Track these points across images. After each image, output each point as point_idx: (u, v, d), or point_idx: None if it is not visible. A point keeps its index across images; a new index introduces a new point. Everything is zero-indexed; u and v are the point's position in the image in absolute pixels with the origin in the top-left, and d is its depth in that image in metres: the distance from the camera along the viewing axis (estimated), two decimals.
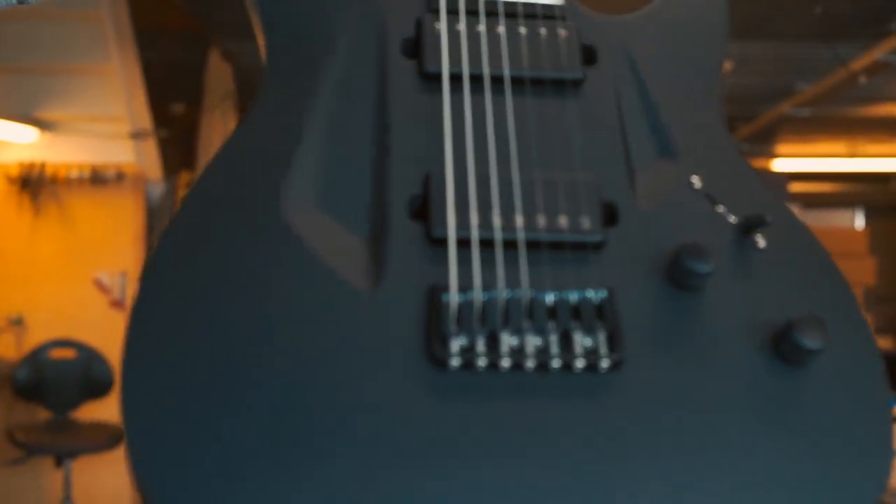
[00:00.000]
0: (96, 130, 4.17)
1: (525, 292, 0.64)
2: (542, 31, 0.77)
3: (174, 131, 4.76)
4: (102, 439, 3.47)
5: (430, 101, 0.72)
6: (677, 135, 0.75)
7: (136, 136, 4.15)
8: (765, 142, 7.33)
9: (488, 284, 0.64)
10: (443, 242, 0.66)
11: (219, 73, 4.92)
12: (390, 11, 0.77)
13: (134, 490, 0.57)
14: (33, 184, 4.10)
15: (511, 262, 0.66)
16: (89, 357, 3.77)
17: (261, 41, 0.77)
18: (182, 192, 4.06)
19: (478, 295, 0.63)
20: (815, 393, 0.64)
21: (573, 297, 0.64)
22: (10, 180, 4.10)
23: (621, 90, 0.77)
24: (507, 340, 0.62)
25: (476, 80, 0.73)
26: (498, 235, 0.66)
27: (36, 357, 3.80)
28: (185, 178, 4.29)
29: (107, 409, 3.79)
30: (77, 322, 3.93)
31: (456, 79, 0.73)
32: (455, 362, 0.60)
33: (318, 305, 0.63)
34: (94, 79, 4.21)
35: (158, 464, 0.56)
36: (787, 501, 0.60)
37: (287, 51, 0.75)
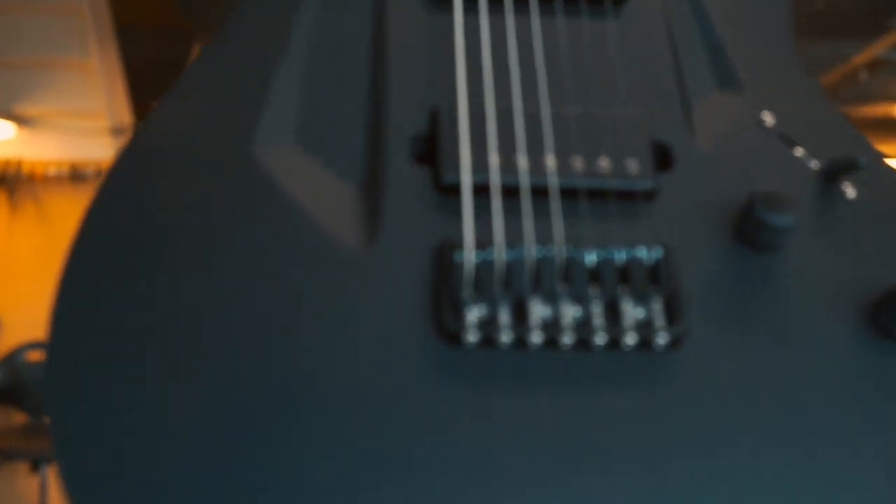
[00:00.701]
0: (75, 126, 4.03)
1: (560, 250, 0.51)
2: None
3: None
4: None
5: (437, 22, 0.60)
6: (742, 63, 0.62)
7: (116, 132, 4.03)
8: None
9: (513, 240, 0.52)
10: (455, 189, 0.54)
11: None
12: None
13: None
14: (10, 181, 3.96)
15: (541, 213, 0.53)
16: None
17: None
18: None
19: (500, 253, 0.51)
20: None
21: (620, 256, 0.52)
22: None
23: (672, 7, 0.63)
24: (538, 310, 0.50)
25: None
26: (524, 180, 0.53)
27: (12, 360, 3.67)
28: None
29: None
30: None
31: None
32: (472, 337, 0.49)
33: (301, 269, 0.51)
34: (74, 74, 4.07)
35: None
36: None
37: None
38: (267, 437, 0.45)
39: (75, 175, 3.96)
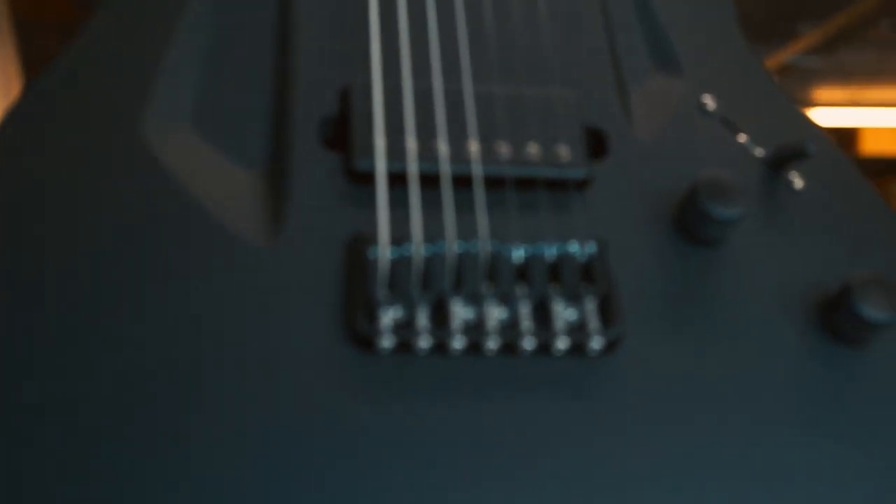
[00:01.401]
0: None
1: (484, 246, 0.46)
2: None
3: None
4: None
5: None
6: (681, 43, 0.57)
7: None
8: None
9: (433, 235, 0.47)
10: (368, 177, 0.48)
11: None
12: None
13: None
14: None
15: (464, 205, 0.48)
16: None
17: None
18: None
19: (418, 248, 0.46)
20: (882, 381, 0.47)
21: (550, 252, 0.47)
22: None
23: None
24: (460, 312, 0.45)
25: None
26: (445, 168, 0.48)
27: None
28: None
29: None
30: None
31: None
32: (386, 342, 0.44)
33: (195, 267, 0.45)
34: None
35: None
36: None
37: None
38: (157, 453, 0.40)
39: None
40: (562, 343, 0.45)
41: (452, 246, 0.46)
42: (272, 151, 0.49)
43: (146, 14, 0.53)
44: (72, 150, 0.48)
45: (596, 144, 0.52)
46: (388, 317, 0.44)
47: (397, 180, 0.48)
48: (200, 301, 0.44)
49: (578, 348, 0.45)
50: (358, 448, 0.41)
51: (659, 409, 0.44)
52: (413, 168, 0.48)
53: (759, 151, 0.53)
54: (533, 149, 0.50)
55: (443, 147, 0.49)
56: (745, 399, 0.45)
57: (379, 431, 0.42)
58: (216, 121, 0.50)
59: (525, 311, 0.45)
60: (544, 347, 0.45)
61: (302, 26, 0.53)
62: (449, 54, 0.52)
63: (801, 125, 0.55)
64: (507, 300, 0.46)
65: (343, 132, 0.50)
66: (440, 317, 0.45)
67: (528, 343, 0.45)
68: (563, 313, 0.46)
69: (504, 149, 0.50)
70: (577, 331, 0.45)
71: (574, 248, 0.47)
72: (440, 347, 0.44)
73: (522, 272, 0.47)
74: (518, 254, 0.47)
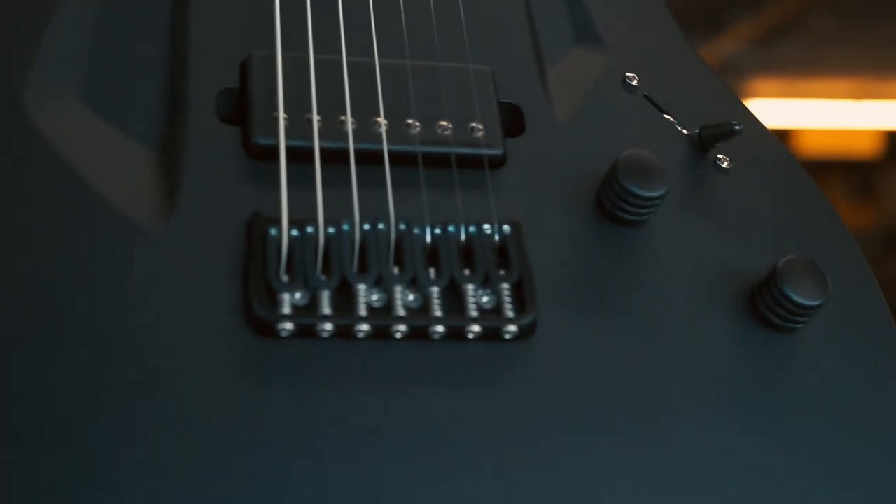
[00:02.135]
0: None
1: (392, 226, 0.43)
2: None
3: None
4: None
5: None
6: (603, 17, 0.54)
7: None
8: None
9: (337, 215, 0.44)
10: (268, 153, 0.46)
11: None
12: None
13: None
14: None
15: (370, 183, 0.45)
16: None
17: None
18: None
19: (321, 229, 0.43)
20: (811, 367, 0.46)
21: (462, 233, 0.44)
22: None
23: None
24: (366, 296, 0.43)
25: None
26: (350, 144, 0.45)
27: None
28: None
29: None
30: None
31: None
32: (287, 328, 0.41)
33: (84, 253, 0.42)
34: None
35: None
36: None
37: None
38: (52, 447, 0.37)
39: None
40: (474, 329, 0.42)
41: (358, 226, 0.43)
42: (167, 126, 0.46)
43: None
44: None
45: (512, 121, 0.50)
46: (290, 302, 0.41)
47: (300, 157, 0.45)
48: (90, 288, 0.41)
49: (492, 334, 0.42)
50: (256, 438, 0.39)
51: (576, 396, 0.42)
52: (316, 143, 0.45)
53: (685, 130, 0.51)
54: (445, 125, 0.47)
55: (349, 122, 0.46)
56: (666, 385, 0.43)
57: (278, 420, 0.39)
58: (107, 94, 0.47)
59: (435, 295, 0.43)
60: (456, 333, 0.42)
61: None
62: (357, 26, 0.49)
63: (730, 104, 0.53)
64: (416, 284, 0.43)
65: (242, 106, 0.47)
66: (345, 301, 0.42)
67: (439, 329, 0.42)
68: (477, 297, 0.43)
69: (414, 125, 0.47)
70: (491, 316, 0.43)
71: (487, 228, 0.45)
72: (345, 332, 0.41)
73: (433, 255, 0.44)
74: (428, 235, 0.44)
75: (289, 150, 0.45)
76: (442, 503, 0.39)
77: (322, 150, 0.45)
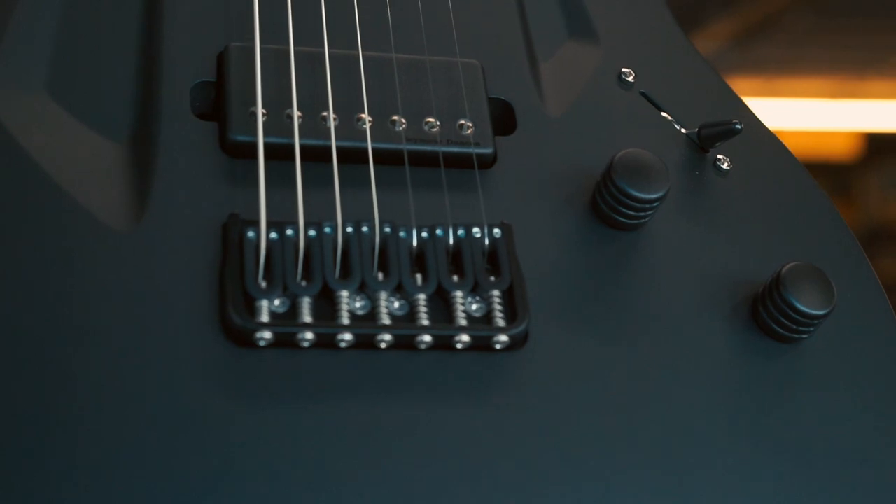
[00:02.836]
0: None
1: (376, 228, 0.41)
2: None
3: None
4: None
5: None
6: (598, 9, 0.52)
7: None
8: None
9: (319, 217, 0.42)
10: (246, 150, 0.44)
11: None
12: None
13: None
14: None
15: (354, 183, 0.43)
16: None
17: None
18: None
19: (302, 231, 0.41)
20: (815, 378, 0.44)
21: (451, 236, 0.42)
22: None
23: None
24: (349, 304, 0.41)
25: None
26: (333, 141, 0.43)
27: None
28: None
29: None
30: None
31: None
32: (265, 337, 0.39)
33: (48, 256, 0.40)
34: None
35: None
36: None
37: None
38: (17, 453, 0.35)
39: None
40: (463, 338, 0.40)
41: (341, 228, 0.41)
42: (139, 121, 0.44)
43: None
44: None
45: (502, 118, 0.48)
46: (268, 309, 0.39)
47: (280, 154, 0.43)
48: (56, 293, 0.39)
49: (482, 344, 0.40)
50: (232, 455, 0.37)
51: (570, 411, 0.40)
52: (297, 140, 0.43)
53: (683, 129, 0.49)
54: (432, 122, 0.45)
55: (331, 118, 0.44)
56: (664, 399, 0.41)
57: (255, 435, 0.37)
58: (76, 88, 0.45)
59: (422, 302, 0.41)
60: (444, 344, 0.40)
61: None
62: (340, 18, 0.47)
63: (731, 102, 0.51)
64: (402, 291, 0.41)
65: (218, 100, 0.45)
66: (327, 309, 0.40)
67: (426, 339, 0.40)
68: (466, 305, 0.41)
69: (400, 121, 0.45)
70: (481, 324, 0.41)
71: (477, 232, 0.42)
72: (327, 342, 0.39)
73: (420, 259, 0.42)
74: (414, 237, 0.42)
75: (268, 147, 0.43)
76: None
77: (303, 147, 0.43)
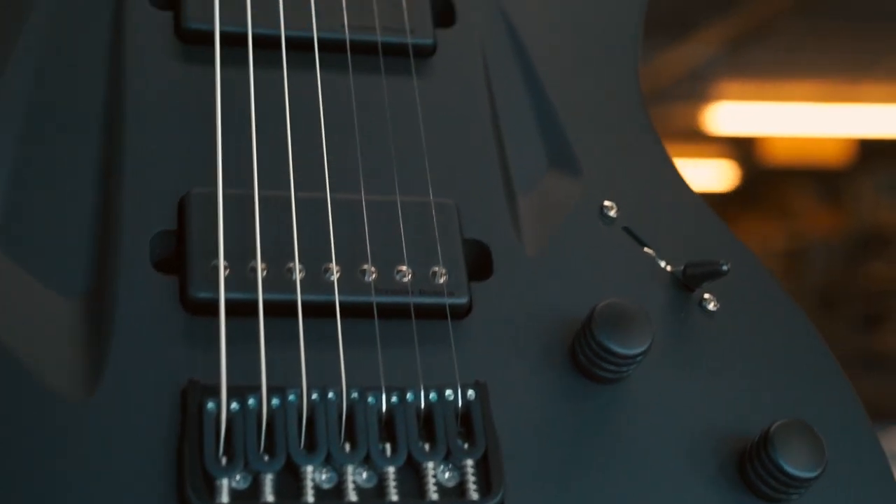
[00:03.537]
0: None
1: (343, 395, 0.39)
2: None
3: None
4: None
5: (191, 76, 0.47)
6: (580, 138, 0.50)
7: None
8: None
9: (283, 378, 0.40)
10: (207, 308, 0.41)
11: None
12: None
13: None
14: None
15: (320, 341, 0.41)
16: None
17: None
18: None
19: (265, 402, 0.39)
20: None
21: (422, 400, 0.40)
22: None
23: (493, 65, 0.51)
24: (314, 477, 0.38)
25: (267, 43, 0.47)
26: (298, 297, 0.41)
27: None
28: None
29: None
30: None
31: (233, 40, 0.47)
32: None
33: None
34: None
35: None
36: None
37: None
38: None
39: None
40: None
41: (306, 396, 0.39)
42: (94, 275, 0.42)
43: None
44: None
45: (478, 261, 0.46)
46: (228, 488, 0.37)
47: (242, 311, 0.41)
48: (8, 469, 0.37)
49: None
50: None
51: None
52: (260, 297, 0.41)
53: (668, 266, 0.46)
54: (403, 271, 0.43)
55: (296, 272, 0.42)
56: None
57: None
58: (26, 238, 0.42)
59: (391, 473, 0.39)
60: None
61: (133, 118, 0.45)
62: (307, 161, 0.45)
63: (718, 235, 0.49)
64: (370, 462, 0.39)
65: (180, 252, 0.42)
66: (291, 484, 0.38)
67: None
68: (438, 476, 0.39)
69: (370, 271, 0.43)
70: (454, 495, 0.38)
71: (449, 394, 0.40)
72: None
73: (388, 426, 0.40)
74: (383, 402, 0.40)
75: (230, 304, 0.40)
76: None
77: (266, 303, 0.41)
